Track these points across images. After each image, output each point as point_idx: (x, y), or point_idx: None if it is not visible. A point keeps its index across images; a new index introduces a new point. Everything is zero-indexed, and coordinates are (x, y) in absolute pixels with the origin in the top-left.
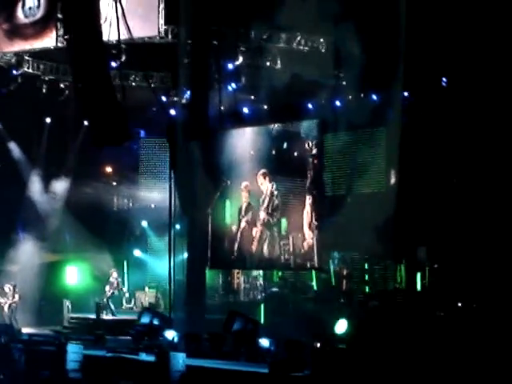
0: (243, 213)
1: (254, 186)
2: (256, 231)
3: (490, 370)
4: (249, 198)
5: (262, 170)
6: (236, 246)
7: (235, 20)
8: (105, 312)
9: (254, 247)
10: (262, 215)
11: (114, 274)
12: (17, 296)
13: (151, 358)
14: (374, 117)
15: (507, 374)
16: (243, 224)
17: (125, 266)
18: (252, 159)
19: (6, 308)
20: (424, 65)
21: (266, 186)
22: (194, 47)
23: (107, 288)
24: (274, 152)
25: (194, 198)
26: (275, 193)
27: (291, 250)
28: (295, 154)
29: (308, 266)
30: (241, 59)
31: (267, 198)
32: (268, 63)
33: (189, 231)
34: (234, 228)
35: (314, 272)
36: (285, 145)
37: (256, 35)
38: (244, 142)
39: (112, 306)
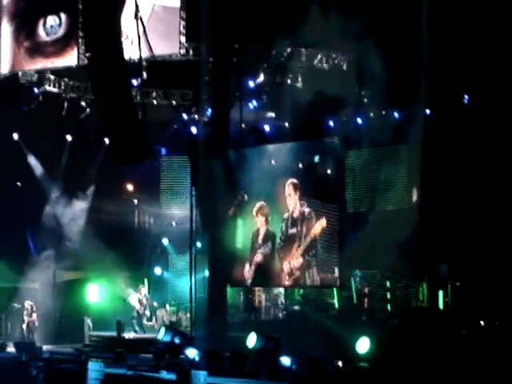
0: (260, 241)
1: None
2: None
3: None
4: (266, 224)
5: (291, 180)
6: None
7: (256, 37)
8: (136, 330)
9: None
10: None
11: (143, 291)
12: (34, 315)
13: (172, 377)
14: (395, 134)
15: None
16: (259, 257)
17: (146, 283)
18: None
19: (24, 326)
20: (445, 82)
21: (294, 201)
22: (215, 65)
23: (137, 306)
24: (300, 166)
25: (215, 216)
26: (308, 215)
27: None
28: (321, 171)
29: (329, 283)
30: (262, 77)
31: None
32: (289, 81)
33: (209, 249)
34: (247, 254)
35: (335, 290)
36: (315, 159)
37: (277, 53)
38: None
39: (142, 323)
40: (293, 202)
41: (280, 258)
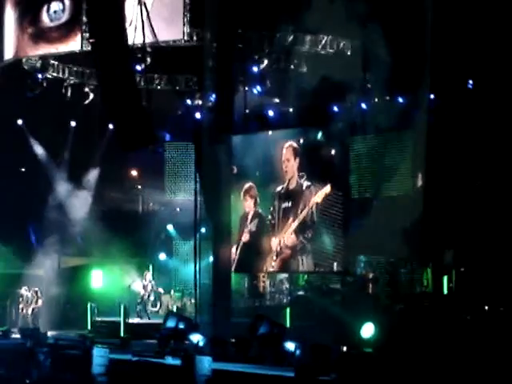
0: (248, 222)
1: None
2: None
3: None
4: (255, 206)
5: (290, 142)
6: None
7: (260, 23)
8: (141, 315)
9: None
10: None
11: (148, 277)
12: (40, 301)
13: (177, 362)
14: (400, 119)
15: None
16: (246, 236)
17: (150, 269)
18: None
19: (29, 312)
20: (450, 67)
21: (291, 169)
22: (219, 50)
23: (142, 291)
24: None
25: (219, 201)
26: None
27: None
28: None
29: (334, 269)
30: (266, 62)
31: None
32: (293, 66)
33: (214, 234)
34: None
35: (340, 275)
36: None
37: (281, 38)
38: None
39: (147, 309)
40: (290, 170)
41: (269, 235)
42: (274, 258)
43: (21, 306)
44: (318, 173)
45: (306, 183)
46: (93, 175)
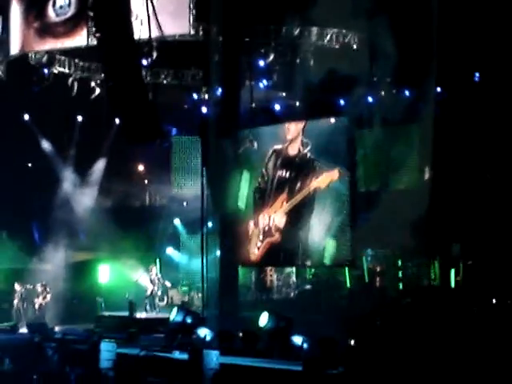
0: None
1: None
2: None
3: None
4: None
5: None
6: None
7: (266, 17)
8: (147, 309)
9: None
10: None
11: (154, 270)
12: (48, 296)
13: (184, 356)
14: (407, 113)
15: None
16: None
17: (157, 263)
18: None
19: (36, 307)
20: (457, 60)
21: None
22: (225, 44)
23: (149, 285)
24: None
25: (226, 196)
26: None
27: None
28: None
29: (341, 262)
30: (272, 56)
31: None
32: (299, 60)
33: (221, 229)
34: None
35: (347, 269)
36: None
37: (287, 32)
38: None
39: (155, 303)
40: (294, 129)
41: (258, 207)
42: (260, 237)
43: (28, 301)
44: (325, 151)
45: (309, 154)
46: (99, 169)
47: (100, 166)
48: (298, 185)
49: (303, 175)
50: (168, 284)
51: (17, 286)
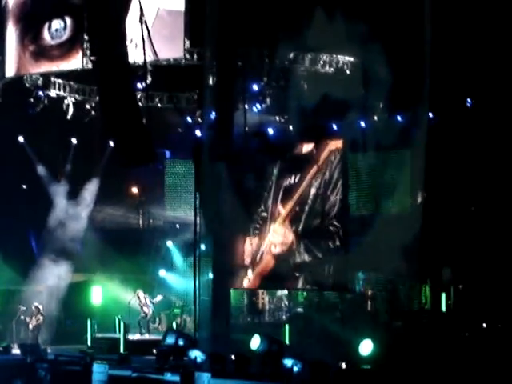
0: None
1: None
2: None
3: None
4: None
5: None
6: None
7: (260, 41)
8: (142, 331)
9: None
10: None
11: (141, 294)
12: (41, 317)
13: (176, 378)
14: (399, 137)
15: None
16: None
17: (148, 286)
18: None
19: (30, 328)
20: (449, 86)
21: None
22: (219, 68)
23: (145, 309)
24: None
25: (219, 219)
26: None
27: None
28: None
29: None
30: (266, 80)
31: None
32: (293, 84)
33: (214, 251)
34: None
35: (338, 292)
36: None
37: (281, 56)
38: None
39: (148, 326)
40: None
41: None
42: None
43: (21, 322)
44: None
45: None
46: (92, 191)
47: (93, 187)
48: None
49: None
50: (158, 298)
51: (10, 307)
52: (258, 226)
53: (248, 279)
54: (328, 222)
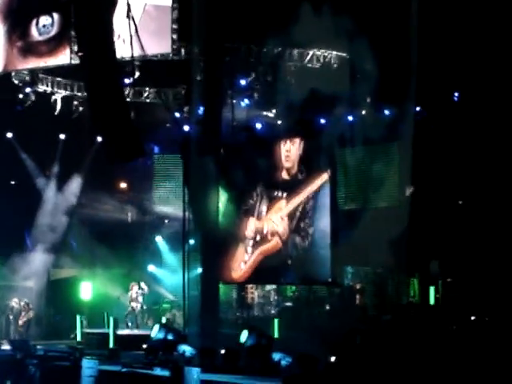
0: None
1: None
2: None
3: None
4: None
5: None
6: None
7: (247, 37)
8: (129, 326)
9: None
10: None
11: (135, 288)
12: (31, 313)
13: (166, 373)
14: (387, 131)
15: None
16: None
17: (138, 281)
18: None
19: (20, 323)
20: (436, 80)
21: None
22: (206, 64)
23: (133, 304)
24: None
25: (208, 213)
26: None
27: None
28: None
29: (321, 280)
30: (253, 75)
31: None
32: (280, 79)
33: (202, 246)
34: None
35: (327, 286)
36: None
37: (268, 52)
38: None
39: (137, 321)
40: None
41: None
42: (250, 250)
43: (11, 318)
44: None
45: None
46: (81, 186)
47: (80, 182)
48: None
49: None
50: (143, 292)
51: None
52: (247, 218)
53: (238, 272)
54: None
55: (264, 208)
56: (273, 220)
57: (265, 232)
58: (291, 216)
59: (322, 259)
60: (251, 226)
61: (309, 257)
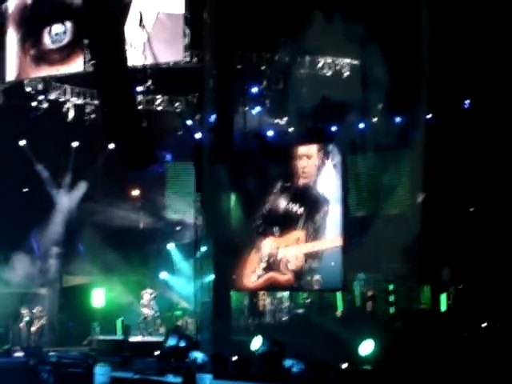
0: None
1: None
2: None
3: None
4: None
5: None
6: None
7: (259, 44)
8: (143, 333)
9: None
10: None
11: (146, 296)
12: (44, 320)
13: (178, 380)
14: (398, 138)
15: None
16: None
17: (151, 288)
18: None
19: (32, 331)
20: (447, 87)
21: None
22: (218, 71)
23: (144, 310)
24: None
25: (220, 221)
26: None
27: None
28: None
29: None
30: (265, 83)
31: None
32: (292, 87)
33: (214, 253)
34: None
35: (339, 293)
36: None
37: (280, 59)
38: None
39: (149, 328)
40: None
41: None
42: (263, 266)
43: (24, 325)
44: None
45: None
46: (94, 194)
47: (92, 190)
48: (313, 229)
49: (314, 212)
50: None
51: (12, 311)
52: (261, 230)
53: (254, 282)
54: None
55: (277, 228)
56: (288, 257)
57: (278, 258)
58: (308, 255)
59: (333, 267)
60: (266, 247)
61: (320, 269)
